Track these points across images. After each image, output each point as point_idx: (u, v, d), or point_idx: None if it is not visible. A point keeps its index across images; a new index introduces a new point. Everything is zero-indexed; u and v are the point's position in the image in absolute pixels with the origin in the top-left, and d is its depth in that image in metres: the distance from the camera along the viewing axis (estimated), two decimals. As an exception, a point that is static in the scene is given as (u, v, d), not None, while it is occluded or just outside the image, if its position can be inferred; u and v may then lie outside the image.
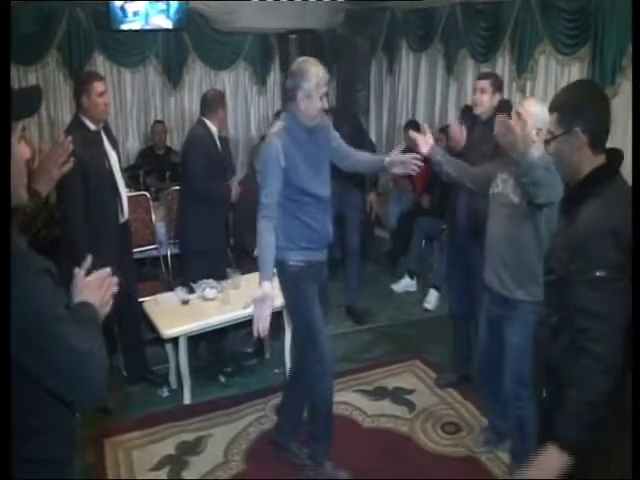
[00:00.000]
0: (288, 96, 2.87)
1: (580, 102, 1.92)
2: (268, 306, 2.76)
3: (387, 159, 3.03)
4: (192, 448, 3.42)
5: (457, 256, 3.83)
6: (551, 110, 1.96)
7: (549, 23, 5.00)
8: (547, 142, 1.97)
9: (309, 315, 2.98)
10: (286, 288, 3.06)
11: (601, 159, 1.90)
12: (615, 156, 1.91)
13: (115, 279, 1.66)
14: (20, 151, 1.43)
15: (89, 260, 1.65)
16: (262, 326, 2.76)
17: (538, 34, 5.13)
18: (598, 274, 1.77)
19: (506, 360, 2.97)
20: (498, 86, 3.67)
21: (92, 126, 3.54)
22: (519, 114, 2.83)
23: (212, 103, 4.01)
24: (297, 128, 2.86)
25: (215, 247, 4.09)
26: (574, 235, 1.86)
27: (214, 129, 4.00)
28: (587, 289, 1.80)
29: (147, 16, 6.09)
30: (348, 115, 5.37)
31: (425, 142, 3.10)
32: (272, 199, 2.81)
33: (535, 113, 2.79)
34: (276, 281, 4.05)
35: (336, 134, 3.10)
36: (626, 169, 1.93)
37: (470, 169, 3.21)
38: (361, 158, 3.18)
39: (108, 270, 1.65)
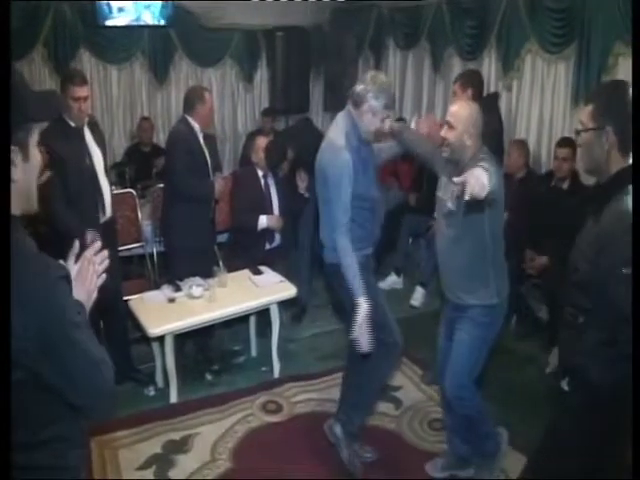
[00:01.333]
0: (355, 101, 2.83)
1: (617, 102, 1.89)
2: (368, 324, 2.75)
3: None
4: (179, 447, 3.41)
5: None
6: (587, 102, 1.96)
7: (536, 22, 5.03)
8: (578, 133, 1.96)
9: (377, 300, 2.97)
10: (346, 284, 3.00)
11: (628, 160, 1.89)
12: None
13: (102, 254, 1.59)
14: (36, 156, 1.38)
15: (77, 246, 1.59)
16: (364, 345, 2.77)
17: (525, 33, 5.15)
18: (624, 271, 1.78)
19: (450, 358, 2.89)
20: (468, 83, 3.70)
21: (72, 123, 3.52)
22: (448, 122, 2.69)
23: (191, 100, 3.99)
24: (354, 135, 2.85)
25: (200, 244, 4.05)
26: (600, 233, 1.87)
27: (196, 126, 3.96)
28: (616, 286, 1.82)
29: (133, 12, 6.05)
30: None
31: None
32: (348, 213, 2.81)
33: (465, 117, 2.67)
34: (267, 277, 4.10)
35: None
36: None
37: (418, 145, 3.09)
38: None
39: (92, 250, 1.58)
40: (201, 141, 4.01)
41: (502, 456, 3.08)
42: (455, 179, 2.30)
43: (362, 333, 2.74)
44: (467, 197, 2.19)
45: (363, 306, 2.73)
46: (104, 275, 1.60)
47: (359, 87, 2.81)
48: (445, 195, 2.76)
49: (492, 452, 3.06)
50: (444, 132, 2.70)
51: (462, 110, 2.71)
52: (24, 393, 1.27)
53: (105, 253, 1.59)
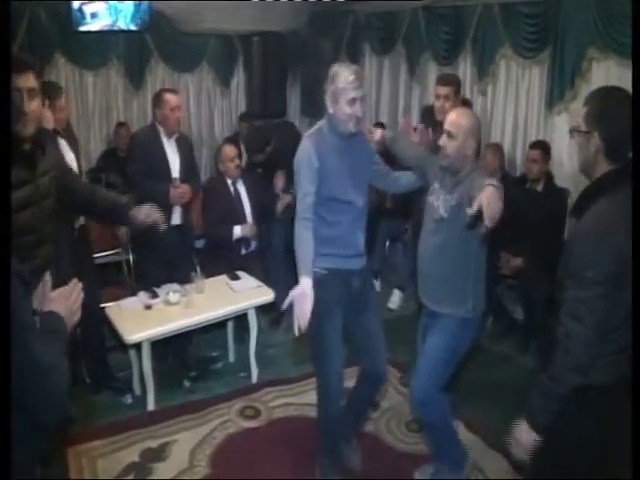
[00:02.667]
0: (328, 94, 2.74)
1: (607, 110, 1.89)
2: (308, 302, 2.54)
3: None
4: (157, 455, 3.38)
5: None
6: (585, 103, 1.95)
7: (510, 27, 5.09)
8: (572, 131, 1.98)
9: (324, 325, 2.86)
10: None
11: (615, 167, 1.90)
12: (629, 166, 1.89)
13: (80, 286, 1.64)
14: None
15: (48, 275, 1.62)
16: (303, 323, 2.53)
17: (499, 38, 5.21)
18: (586, 275, 1.83)
19: (419, 365, 2.88)
20: (459, 89, 3.70)
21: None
22: (449, 132, 2.64)
23: (152, 106, 4.01)
24: (332, 133, 2.77)
25: (166, 250, 3.97)
26: (573, 237, 1.92)
27: (161, 129, 3.95)
28: (572, 289, 1.88)
29: (107, 17, 6.02)
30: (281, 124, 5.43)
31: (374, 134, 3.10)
32: (309, 200, 2.69)
33: (466, 126, 2.64)
34: (244, 282, 4.09)
35: (374, 152, 3.05)
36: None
37: (410, 152, 3.09)
38: (399, 175, 3.12)
39: (76, 281, 1.63)
40: (165, 146, 3.96)
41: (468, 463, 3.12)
42: (469, 210, 2.23)
43: (299, 310, 2.53)
44: (488, 223, 2.13)
45: (304, 281, 2.57)
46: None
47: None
48: (437, 202, 2.72)
49: (459, 457, 3.07)
50: (443, 141, 2.64)
51: (463, 119, 2.65)
52: None
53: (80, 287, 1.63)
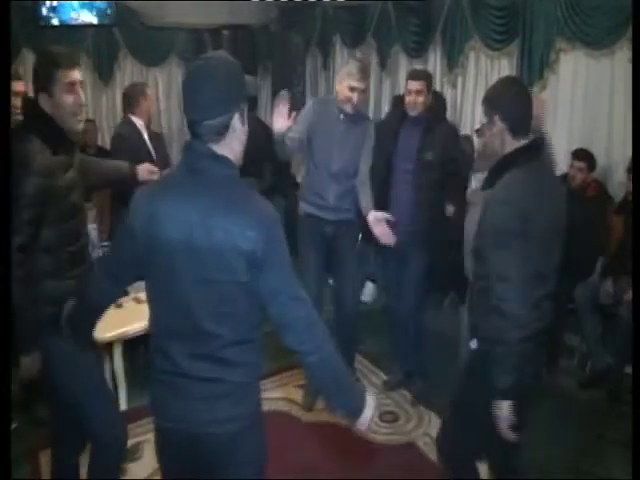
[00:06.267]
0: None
1: (498, 94, 2.12)
2: (382, 223, 3.31)
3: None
4: (129, 455, 3.33)
5: (393, 253, 3.84)
6: (482, 104, 2.17)
7: (479, 19, 5.11)
8: (478, 131, 2.20)
9: (303, 258, 3.57)
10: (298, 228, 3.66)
11: (521, 142, 2.08)
12: (538, 141, 2.11)
13: None
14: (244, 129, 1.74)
15: None
16: (387, 240, 3.35)
17: (468, 30, 5.23)
18: (498, 238, 1.97)
19: None
20: (431, 84, 3.62)
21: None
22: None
23: (134, 97, 3.97)
24: (333, 106, 3.41)
25: None
26: (486, 205, 2.08)
27: (140, 123, 3.91)
28: (491, 253, 2.00)
29: (67, 12, 5.92)
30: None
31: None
32: (296, 131, 3.23)
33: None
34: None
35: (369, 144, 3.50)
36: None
37: None
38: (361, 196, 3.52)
39: None
40: (145, 138, 3.94)
41: None
42: None
43: (379, 230, 3.32)
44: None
45: (371, 215, 3.32)
46: None
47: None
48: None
49: None
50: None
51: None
52: None
53: None
